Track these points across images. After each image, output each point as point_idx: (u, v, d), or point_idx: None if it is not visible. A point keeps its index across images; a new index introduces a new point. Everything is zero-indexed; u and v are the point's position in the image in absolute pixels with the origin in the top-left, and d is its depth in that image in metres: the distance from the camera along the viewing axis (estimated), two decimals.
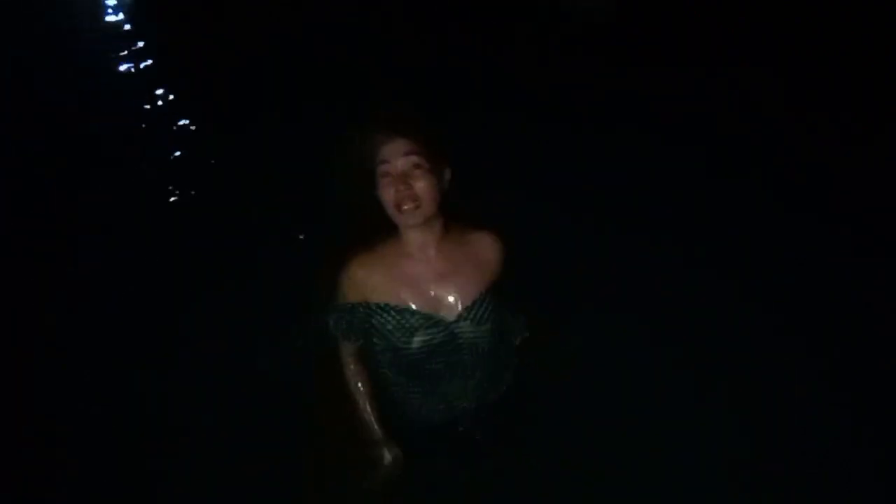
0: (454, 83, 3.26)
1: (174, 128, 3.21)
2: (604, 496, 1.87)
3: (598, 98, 3.36)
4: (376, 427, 1.80)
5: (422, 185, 1.66)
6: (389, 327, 1.74)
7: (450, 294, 1.74)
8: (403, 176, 1.66)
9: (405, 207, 1.66)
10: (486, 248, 1.79)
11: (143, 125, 3.21)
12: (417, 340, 1.72)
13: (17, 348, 2.26)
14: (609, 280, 2.45)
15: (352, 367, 1.85)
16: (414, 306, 1.73)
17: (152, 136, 3.17)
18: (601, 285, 2.42)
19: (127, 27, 3.57)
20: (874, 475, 1.94)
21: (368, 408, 1.82)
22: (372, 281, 1.76)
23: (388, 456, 1.77)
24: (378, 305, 1.74)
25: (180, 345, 2.31)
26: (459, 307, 1.74)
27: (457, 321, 1.74)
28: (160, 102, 3.30)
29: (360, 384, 1.84)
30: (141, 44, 3.44)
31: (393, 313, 1.74)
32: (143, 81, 3.37)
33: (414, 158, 1.66)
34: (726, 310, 2.42)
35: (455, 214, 1.80)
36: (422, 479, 1.83)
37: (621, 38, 3.85)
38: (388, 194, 1.68)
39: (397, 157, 1.66)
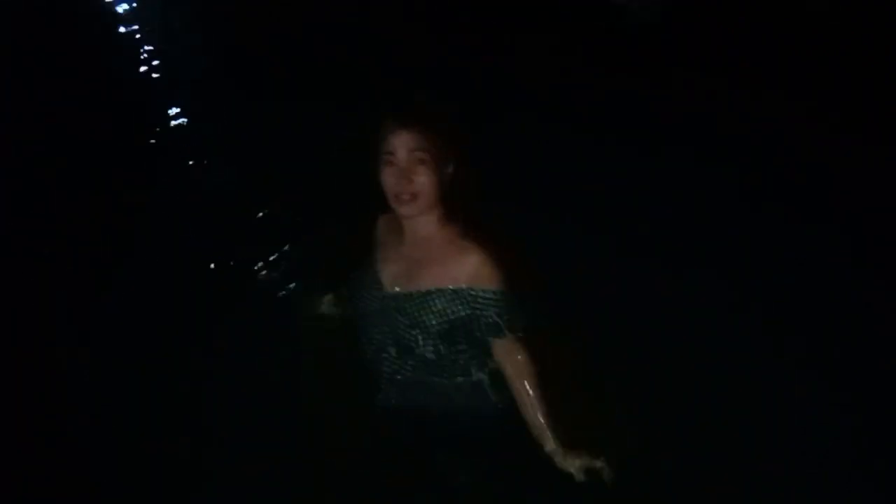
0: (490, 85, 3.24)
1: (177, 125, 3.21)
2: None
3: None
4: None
5: (423, 181, 1.70)
6: (354, 275, 1.89)
7: (405, 276, 1.79)
8: (406, 169, 1.69)
9: (403, 198, 1.70)
10: (463, 263, 1.73)
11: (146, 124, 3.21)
12: (359, 296, 1.85)
13: (17, 349, 2.26)
14: (608, 280, 2.45)
15: None
16: (377, 269, 1.84)
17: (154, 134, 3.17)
18: (599, 286, 2.42)
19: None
20: (874, 476, 1.94)
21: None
22: (381, 237, 1.91)
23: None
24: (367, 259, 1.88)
25: (187, 344, 2.31)
26: (399, 289, 1.78)
27: (391, 297, 1.79)
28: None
29: None
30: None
31: (365, 266, 1.87)
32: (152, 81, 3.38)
33: (419, 154, 1.68)
34: (725, 310, 2.42)
35: (468, 212, 1.79)
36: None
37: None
38: (388, 183, 1.72)
39: (403, 150, 1.69)
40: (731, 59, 3.71)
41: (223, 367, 2.23)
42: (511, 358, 1.75)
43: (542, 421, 1.71)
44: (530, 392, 1.72)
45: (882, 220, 2.78)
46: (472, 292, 1.72)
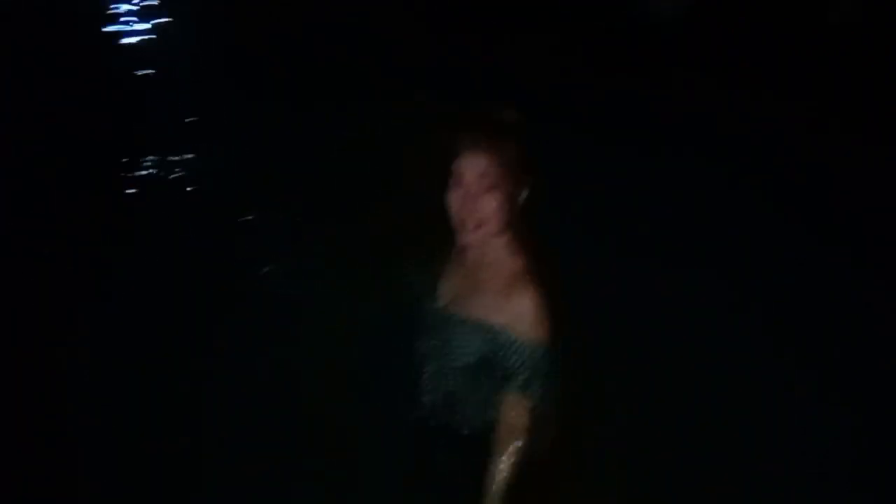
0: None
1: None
2: None
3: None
4: None
5: (491, 209, 1.58)
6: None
7: (461, 296, 1.69)
8: (475, 195, 1.57)
9: (468, 225, 1.59)
10: (517, 303, 1.60)
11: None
12: (420, 301, 1.76)
13: (17, 348, 2.27)
14: (608, 280, 2.45)
15: None
16: (441, 280, 1.76)
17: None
18: (599, 286, 2.42)
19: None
20: (873, 476, 1.94)
21: None
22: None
23: None
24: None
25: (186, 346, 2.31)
26: (452, 308, 1.69)
27: (442, 314, 1.71)
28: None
29: None
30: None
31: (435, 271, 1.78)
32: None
33: (490, 180, 1.56)
34: (725, 311, 2.43)
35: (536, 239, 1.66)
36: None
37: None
38: (454, 207, 1.60)
39: (473, 173, 1.57)
40: (734, 60, 3.71)
41: (223, 367, 2.23)
42: (509, 415, 1.61)
43: (498, 486, 1.58)
44: (506, 458, 1.59)
45: (882, 220, 2.78)
46: (508, 337, 1.59)
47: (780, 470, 1.94)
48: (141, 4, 4.10)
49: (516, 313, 1.58)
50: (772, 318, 2.43)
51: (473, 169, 1.56)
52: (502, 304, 1.59)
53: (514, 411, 1.61)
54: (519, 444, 1.59)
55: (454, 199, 1.59)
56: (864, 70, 3.55)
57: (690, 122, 3.32)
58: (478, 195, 1.56)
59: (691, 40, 3.85)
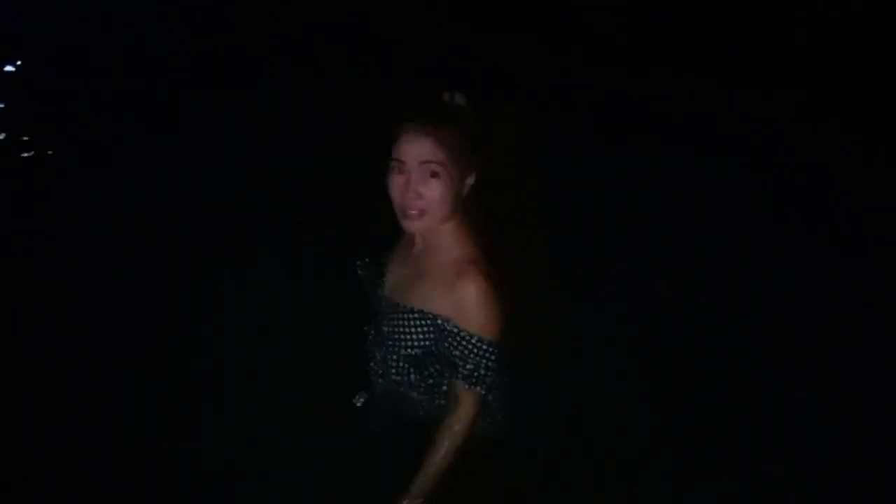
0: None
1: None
2: None
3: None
4: None
5: (434, 196, 1.51)
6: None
7: (402, 285, 1.66)
8: (416, 181, 1.51)
9: (410, 212, 1.52)
10: (455, 292, 1.54)
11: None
12: (369, 292, 1.76)
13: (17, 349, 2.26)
14: (608, 280, 2.45)
15: None
16: (386, 269, 1.75)
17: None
18: (598, 287, 2.42)
19: None
20: (873, 476, 1.94)
21: None
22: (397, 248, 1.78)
23: None
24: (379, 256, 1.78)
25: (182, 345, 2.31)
26: (395, 298, 1.66)
27: (387, 304, 1.68)
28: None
29: None
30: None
31: (381, 259, 1.78)
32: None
33: (433, 166, 1.49)
34: (725, 310, 2.42)
35: (494, 230, 1.62)
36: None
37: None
38: (395, 194, 1.54)
39: (414, 160, 1.50)
40: (727, 59, 3.70)
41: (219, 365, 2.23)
42: (454, 404, 1.58)
43: (428, 473, 1.56)
44: (445, 445, 1.56)
45: (882, 219, 2.78)
46: (450, 327, 1.54)
47: (779, 470, 1.95)
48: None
49: (460, 303, 1.52)
50: (771, 317, 2.43)
51: (416, 154, 1.49)
52: (446, 293, 1.54)
53: (459, 403, 1.57)
54: (458, 429, 1.56)
55: (395, 186, 1.53)
56: (864, 66, 3.54)
57: (690, 122, 3.31)
58: (419, 182, 1.50)
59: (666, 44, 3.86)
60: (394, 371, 1.66)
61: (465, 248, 1.58)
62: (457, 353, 1.54)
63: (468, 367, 1.53)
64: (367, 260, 1.79)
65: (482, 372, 1.53)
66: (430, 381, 1.64)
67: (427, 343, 1.59)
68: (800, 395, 2.17)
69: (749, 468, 1.95)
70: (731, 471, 1.94)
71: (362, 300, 1.80)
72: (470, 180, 1.56)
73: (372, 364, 1.75)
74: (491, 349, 1.53)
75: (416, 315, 1.59)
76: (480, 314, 1.52)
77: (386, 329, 1.66)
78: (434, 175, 1.50)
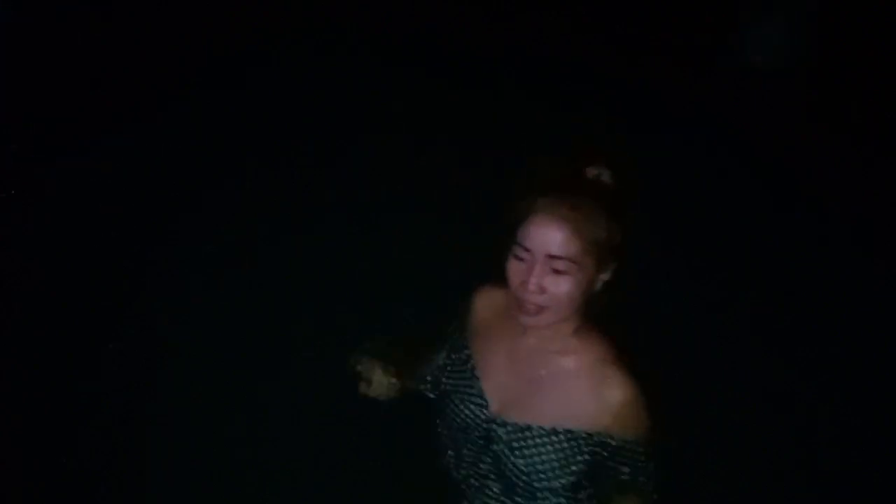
0: None
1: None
2: None
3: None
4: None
5: (558, 293, 1.25)
6: (451, 367, 1.48)
7: (520, 400, 1.36)
8: (541, 272, 1.25)
9: (527, 307, 1.27)
10: (604, 401, 1.30)
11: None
12: (450, 399, 1.44)
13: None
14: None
15: None
16: (476, 373, 1.42)
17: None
18: None
19: None
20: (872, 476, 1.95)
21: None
22: (482, 312, 1.48)
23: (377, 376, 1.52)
24: (465, 342, 1.48)
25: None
26: (513, 416, 1.36)
27: (500, 424, 1.36)
28: None
29: None
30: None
31: (464, 357, 1.46)
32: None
33: (562, 264, 1.24)
34: (724, 310, 2.43)
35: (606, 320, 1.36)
36: None
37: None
38: (513, 280, 1.29)
39: (541, 251, 1.24)
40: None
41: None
42: None
43: None
44: None
45: (882, 219, 2.79)
46: (611, 441, 1.30)
47: (779, 470, 1.96)
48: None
49: (615, 412, 1.28)
50: (771, 316, 2.44)
51: (544, 246, 1.24)
52: (588, 405, 1.29)
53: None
54: None
55: (513, 272, 1.28)
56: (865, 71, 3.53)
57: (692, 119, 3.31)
58: (544, 273, 1.24)
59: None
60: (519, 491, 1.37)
61: (594, 346, 1.34)
62: (625, 468, 1.33)
63: (640, 478, 1.34)
64: (446, 343, 1.53)
65: (645, 477, 1.35)
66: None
67: (577, 466, 1.32)
68: (799, 394, 2.18)
69: (749, 468, 1.97)
70: (731, 471, 1.96)
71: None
72: (605, 276, 1.30)
73: (476, 490, 1.43)
74: (649, 451, 1.33)
75: (561, 435, 1.31)
76: (638, 419, 1.31)
77: (512, 457, 1.35)
78: (563, 273, 1.24)
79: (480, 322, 1.47)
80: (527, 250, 1.26)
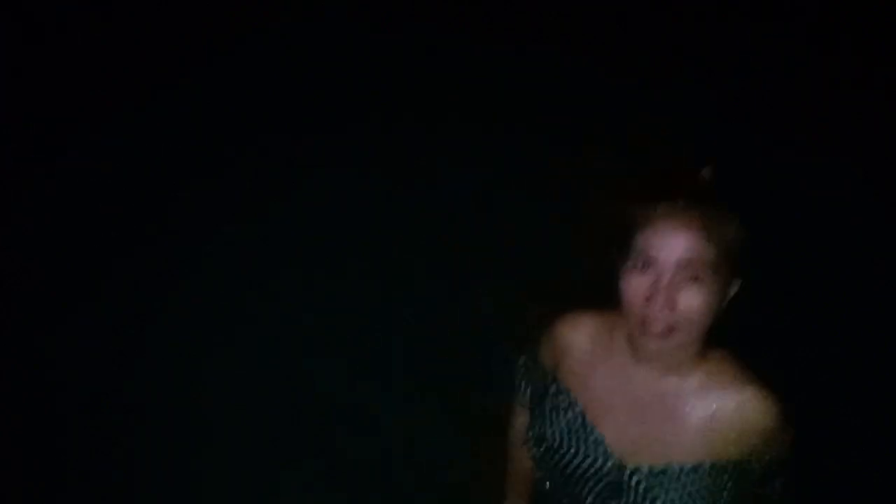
0: None
1: None
2: None
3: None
4: None
5: (692, 306, 1.11)
6: (552, 415, 1.29)
7: (644, 437, 1.21)
8: (671, 286, 1.10)
9: (655, 327, 1.12)
10: (752, 424, 1.18)
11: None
12: (570, 457, 1.25)
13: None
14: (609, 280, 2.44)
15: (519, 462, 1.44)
16: (590, 418, 1.25)
17: None
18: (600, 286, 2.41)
19: None
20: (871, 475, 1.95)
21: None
22: (575, 344, 1.30)
23: None
24: (556, 382, 1.30)
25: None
26: (643, 460, 1.21)
27: (629, 473, 1.21)
28: None
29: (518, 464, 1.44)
30: None
31: (564, 399, 1.28)
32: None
33: (696, 271, 1.10)
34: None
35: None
36: None
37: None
38: (635, 300, 1.13)
39: (670, 260, 1.10)
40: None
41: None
42: None
43: None
44: None
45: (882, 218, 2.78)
46: (757, 465, 1.20)
47: None
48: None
49: (762, 435, 1.18)
50: (770, 316, 2.43)
51: (674, 252, 1.09)
52: (732, 431, 1.17)
53: None
54: None
55: (635, 289, 1.12)
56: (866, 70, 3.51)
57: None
58: (675, 287, 1.10)
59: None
60: None
61: (725, 365, 1.21)
62: (775, 484, 1.25)
63: (775, 488, 1.26)
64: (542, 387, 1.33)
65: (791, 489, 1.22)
66: None
67: (726, 500, 1.19)
68: (799, 393, 2.17)
69: None
70: None
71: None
72: (735, 287, 1.17)
73: None
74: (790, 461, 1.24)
75: (707, 470, 1.18)
76: (785, 437, 1.21)
77: (635, 500, 1.21)
78: (696, 279, 1.10)
79: (575, 356, 1.30)
80: (651, 260, 1.11)
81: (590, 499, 1.25)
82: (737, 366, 1.21)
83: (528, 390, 1.39)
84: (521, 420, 1.41)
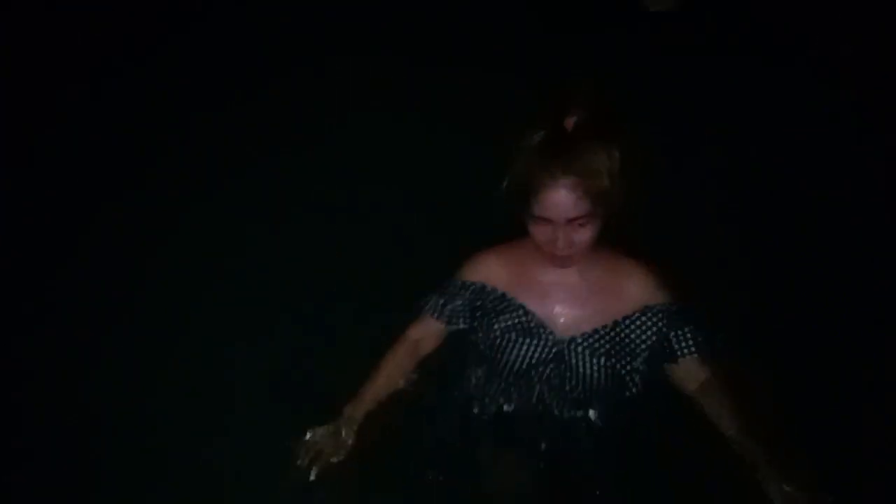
0: None
1: None
2: None
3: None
4: (363, 403, 1.68)
5: (584, 240, 1.49)
6: (499, 320, 1.66)
7: (573, 315, 1.64)
8: (566, 231, 1.47)
9: (558, 254, 1.51)
10: (630, 282, 1.65)
11: None
12: (522, 345, 1.65)
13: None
14: None
15: (410, 339, 1.76)
16: (532, 309, 1.64)
17: None
18: None
19: None
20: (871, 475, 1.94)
21: (377, 382, 1.70)
22: (499, 271, 1.69)
23: (340, 434, 1.61)
24: (497, 292, 1.67)
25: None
26: (577, 331, 1.64)
27: (568, 343, 1.63)
28: None
29: (398, 356, 1.73)
30: None
31: (509, 305, 1.65)
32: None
33: (582, 220, 1.45)
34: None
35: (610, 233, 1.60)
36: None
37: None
38: (541, 240, 1.52)
39: (561, 219, 1.44)
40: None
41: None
42: (697, 376, 1.64)
43: (747, 437, 1.56)
44: (728, 405, 1.59)
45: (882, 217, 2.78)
46: (666, 308, 1.64)
47: None
48: None
49: (650, 289, 1.62)
50: (770, 315, 2.42)
51: (563, 212, 1.43)
52: (633, 291, 1.62)
53: (700, 373, 1.63)
54: (725, 390, 1.62)
55: (539, 233, 1.51)
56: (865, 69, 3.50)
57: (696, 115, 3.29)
58: (568, 231, 1.47)
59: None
60: (633, 382, 1.64)
61: (611, 253, 1.65)
62: (685, 329, 1.63)
63: (700, 337, 1.64)
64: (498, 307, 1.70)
65: (709, 334, 1.67)
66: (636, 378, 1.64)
67: (651, 340, 1.63)
68: (798, 393, 2.17)
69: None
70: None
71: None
72: (622, 199, 1.48)
73: (556, 402, 1.66)
74: (702, 312, 1.67)
75: (629, 320, 1.63)
76: (667, 288, 1.64)
77: (596, 361, 1.62)
78: (584, 224, 1.46)
79: (497, 272, 1.67)
80: (547, 219, 1.43)
81: (531, 372, 1.62)
82: (620, 251, 1.65)
83: (448, 305, 1.72)
84: (420, 327, 1.75)
